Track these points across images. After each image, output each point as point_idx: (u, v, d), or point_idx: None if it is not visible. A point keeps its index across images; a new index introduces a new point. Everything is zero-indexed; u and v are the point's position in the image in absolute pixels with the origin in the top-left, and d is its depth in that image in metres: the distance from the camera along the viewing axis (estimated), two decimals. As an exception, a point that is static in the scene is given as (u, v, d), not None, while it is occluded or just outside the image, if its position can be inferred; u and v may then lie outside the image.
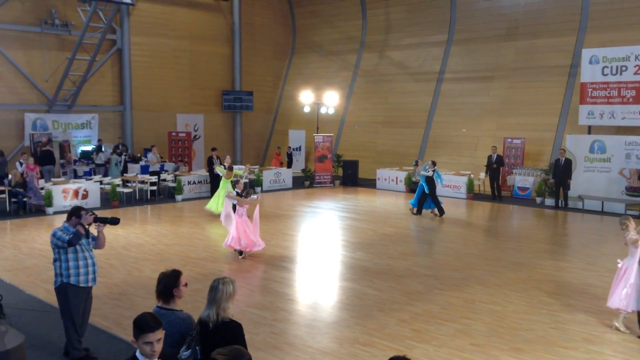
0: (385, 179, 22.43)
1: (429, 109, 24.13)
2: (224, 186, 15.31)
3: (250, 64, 28.43)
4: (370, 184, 23.06)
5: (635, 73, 17.66)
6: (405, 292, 9.13)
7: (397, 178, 22.05)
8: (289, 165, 25.39)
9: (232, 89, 27.60)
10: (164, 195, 19.36)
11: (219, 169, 16.12)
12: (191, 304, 7.79)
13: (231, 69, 27.72)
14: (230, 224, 11.40)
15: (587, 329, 7.53)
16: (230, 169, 15.75)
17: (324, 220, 15.93)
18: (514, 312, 8.21)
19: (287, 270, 10.48)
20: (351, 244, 12.78)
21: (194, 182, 19.56)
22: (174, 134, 24.16)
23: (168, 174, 20.34)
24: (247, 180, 18.21)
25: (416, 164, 19.05)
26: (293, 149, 26.66)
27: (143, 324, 3.58)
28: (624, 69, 17.92)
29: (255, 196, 12.32)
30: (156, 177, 19.09)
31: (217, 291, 4.34)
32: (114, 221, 6.46)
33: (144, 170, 20.24)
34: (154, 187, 18.84)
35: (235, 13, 27.29)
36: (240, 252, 11.25)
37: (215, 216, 15.74)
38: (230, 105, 27.28)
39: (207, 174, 19.70)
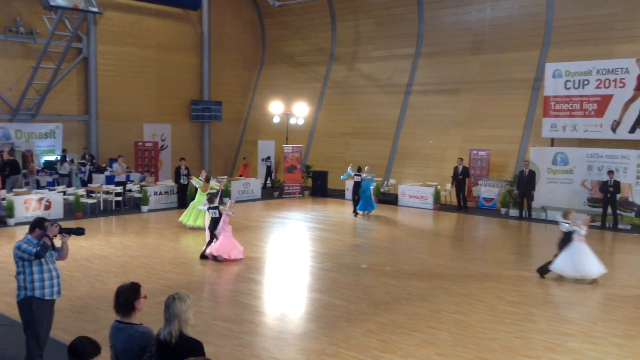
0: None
1: (397, 120, 24.38)
2: (200, 199, 15.08)
3: (219, 74, 28.32)
4: (340, 194, 23.12)
5: (597, 87, 18.17)
6: (373, 303, 9.17)
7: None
8: (268, 177, 25.31)
9: (200, 99, 27.43)
10: (130, 206, 19.06)
11: (196, 181, 15.80)
12: (155, 317, 7.64)
13: (200, 79, 27.57)
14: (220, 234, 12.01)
15: (549, 338, 7.67)
16: (207, 180, 15.55)
17: (293, 231, 15.90)
18: (478, 321, 8.32)
19: (255, 282, 10.42)
20: (320, 254, 12.78)
21: (161, 193, 19.32)
22: (140, 143, 23.86)
23: (134, 185, 20.06)
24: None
25: (353, 169, 19.55)
26: (262, 159, 26.58)
27: (80, 350, 3.24)
28: (585, 82, 18.42)
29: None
30: (122, 187, 18.80)
31: (175, 307, 4.21)
32: (79, 231, 6.35)
33: (109, 180, 19.92)
34: (119, 198, 18.55)
35: (205, 23, 27.19)
36: (214, 257, 11.80)
37: (184, 228, 15.58)
38: (198, 115, 27.09)
39: (174, 184, 19.50)
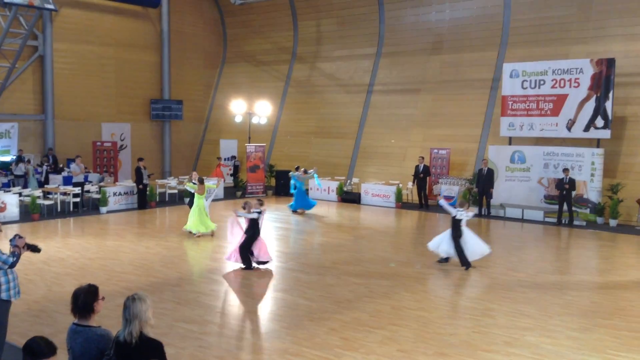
0: (318, 189, 22.57)
1: (359, 120, 24.54)
2: (199, 203, 14.28)
3: (180, 73, 27.98)
4: (302, 194, 23.13)
5: (553, 87, 18.65)
6: (336, 301, 9.21)
7: (329, 188, 22.25)
8: (234, 175, 25.11)
9: (160, 98, 27.05)
10: (88, 207, 18.65)
11: (190, 185, 14.70)
12: (115, 319, 7.51)
13: (160, 78, 27.19)
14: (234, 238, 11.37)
15: (507, 332, 7.85)
16: (202, 182, 14.54)
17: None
18: (439, 317, 8.45)
19: (217, 283, 10.34)
20: (284, 254, 12.77)
21: (120, 194, 18.97)
22: (99, 143, 23.40)
23: (92, 185, 19.66)
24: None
25: (298, 169, 19.88)
26: (224, 159, 26.38)
27: (35, 350, 3.19)
28: (542, 82, 18.89)
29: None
30: (79, 188, 18.39)
31: (134, 307, 4.16)
32: (37, 250, 6.72)
33: (67, 181, 19.47)
34: (77, 199, 18.14)
35: (164, 21, 26.82)
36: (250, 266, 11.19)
37: (143, 229, 15.35)
38: (158, 114, 26.71)
39: (134, 184, 19.19)
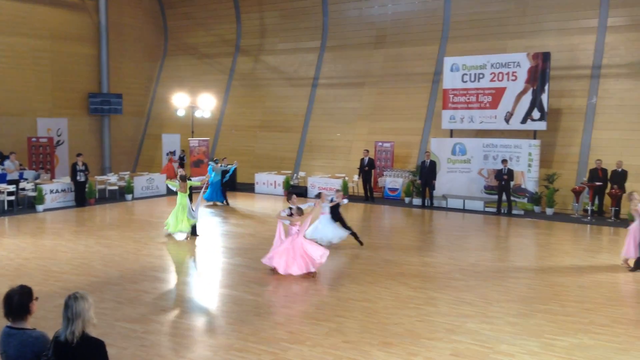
0: (264, 183, 22.49)
1: (304, 113, 24.53)
2: (182, 201, 13.55)
3: (119, 66, 27.19)
4: (249, 188, 22.97)
5: (491, 80, 19.17)
6: (282, 295, 9.18)
7: (275, 182, 22.18)
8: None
9: (99, 92, 26.22)
10: (24, 205, 17.90)
11: (172, 184, 13.98)
12: (53, 321, 7.28)
13: (98, 71, 26.33)
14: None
15: (449, 320, 8.02)
16: (184, 179, 13.88)
17: (201, 226, 15.58)
18: (384, 307, 8.55)
19: (160, 280, 10.12)
20: (229, 249, 12.63)
21: (57, 191, 18.31)
22: (34, 139, 22.44)
23: (28, 183, 18.85)
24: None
25: (217, 162, 19.99)
26: (167, 154, 25.83)
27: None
28: (481, 76, 19.38)
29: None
30: (14, 186, 17.61)
31: (77, 305, 4.04)
32: None
33: (1, 179, 18.60)
34: (12, 197, 17.38)
35: (102, 12, 25.96)
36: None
37: (82, 227, 14.86)
38: (97, 108, 25.89)
39: (71, 182, 18.54)
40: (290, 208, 10.63)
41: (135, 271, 10.64)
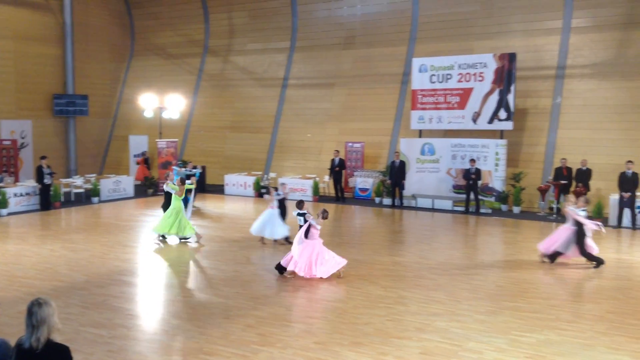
0: (234, 185, 22.33)
1: (275, 114, 24.44)
2: (178, 205, 13.00)
3: (85, 67, 26.68)
4: (219, 189, 22.79)
5: (459, 81, 19.38)
6: (252, 297, 9.11)
7: (245, 183, 22.04)
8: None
9: (64, 93, 25.68)
10: (-14, 209, 17.44)
11: (172, 186, 13.25)
12: (17, 327, 7.08)
13: (63, 71, 25.78)
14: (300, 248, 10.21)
15: (419, 319, 8.07)
16: (183, 182, 13.54)
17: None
18: (354, 307, 8.56)
19: (128, 285, 9.95)
20: (198, 252, 12.50)
21: (22, 194, 17.86)
22: (-3, 142, 21.90)
23: (-10, 186, 18.38)
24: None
25: (180, 166, 19.66)
26: (134, 155, 25.46)
27: None
28: (449, 77, 19.58)
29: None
30: (-24, 189, 17.15)
31: (42, 312, 3.94)
32: None
33: (-39, 182, 18.11)
34: (-26, 201, 16.91)
35: (67, 12, 25.42)
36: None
37: (46, 232, 14.53)
38: (62, 109, 25.34)
39: (36, 184, 18.12)
40: (305, 213, 10.48)
41: (102, 275, 10.45)
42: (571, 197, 12.13)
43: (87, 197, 20.15)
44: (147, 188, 22.27)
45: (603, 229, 11.42)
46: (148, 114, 23.39)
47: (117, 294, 9.33)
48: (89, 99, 26.12)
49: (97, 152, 27.88)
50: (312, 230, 10.27)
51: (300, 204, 10.93)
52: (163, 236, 13.28)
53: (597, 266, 11.17)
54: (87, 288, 9.65)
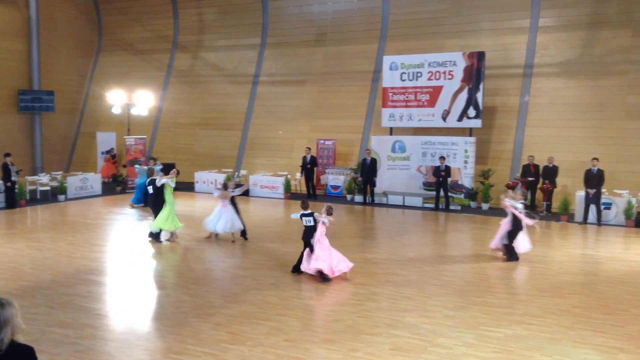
0: (204, 182, 22.12)
1: (245, 111, 24.29)
2: (171, 200, 12.99)
3: (51, 62, 26.11)
4: (189, 187, 22.55)
5: (429, 79, 19.55)
6: (222, 295, 9.05)
7: (216, 181, 21.84)
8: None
9: (29, 89, 25.09)
10: (-53, 208, 16.97)
11: (173, 180, 13.08)
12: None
13: (28, 67, 25.18)
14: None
15: (389, 315, 8.12)
16: (153, 173, 13.63)
17: (137, 228, 15.19)
18: (325, 304, 8.57)
19: (95, 284, 9.77)
20: (168, 250, 12.35)
21: (-15, 192, 17.43)
22: (-42, 138, 21.30)
23: (-48, 184, 17.89)
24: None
25: (140, 163, 19.62)
26: (102, 152, 25.03)
27: None
28: (419, 75, 19.73)
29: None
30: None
31: (4, 313, 3.82)
32: None
33: None
34: None
35: (32, 6, 24.83)
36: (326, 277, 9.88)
37: (12, 230, 14.19)
38: (27, 105, 24.76)
39: (3, 182, 17.69)
40: (312, 213, 10.23)
41: (68, 275, 10.25)
42: (509, 191, 12.33)
43: (53, 195, 19.75)
44: (116, 185, 21.93)
45: (537, 226, 11.84)
46: (116, 110, 23.03)
47: (84, 293, 9.16)
48: (55, 95, 25.59)
49: (63, 149, 27.33)
50: (321, 228, 10.07)
51: (304, 203, 10.41)
52: (157, 235, 13.06)
53: (508, 260, 11.40)
54: (53, 287, 9.46)
